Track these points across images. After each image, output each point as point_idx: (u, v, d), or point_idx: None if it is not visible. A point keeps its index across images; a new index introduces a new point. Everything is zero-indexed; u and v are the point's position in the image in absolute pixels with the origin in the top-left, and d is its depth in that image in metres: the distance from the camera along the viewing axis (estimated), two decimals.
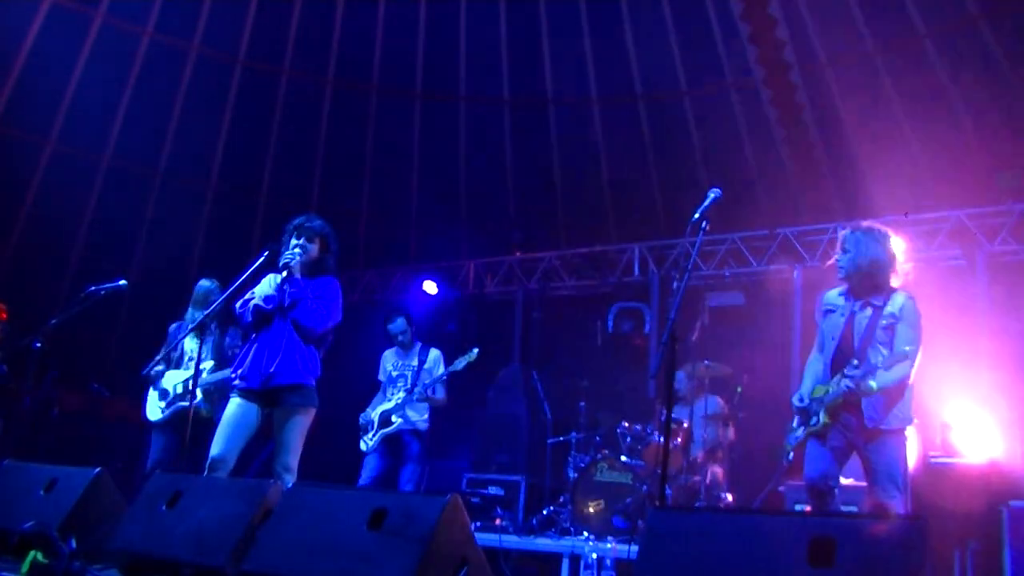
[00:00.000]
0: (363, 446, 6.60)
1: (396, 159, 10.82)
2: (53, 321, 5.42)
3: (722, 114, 9.68)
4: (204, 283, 5.99)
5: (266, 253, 4.52)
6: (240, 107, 10.25)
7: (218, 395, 5.65)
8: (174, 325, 6.05)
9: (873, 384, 3.95)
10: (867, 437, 4.00)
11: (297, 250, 4.48)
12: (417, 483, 6.45)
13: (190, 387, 5.64)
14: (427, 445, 6.64)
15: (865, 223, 4.38)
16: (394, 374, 6.75)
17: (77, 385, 8.17)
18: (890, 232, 4.24)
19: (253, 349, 4.46)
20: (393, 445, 6.53)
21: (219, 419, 5.47)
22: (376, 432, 6.53)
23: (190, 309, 5.95)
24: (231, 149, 10.40)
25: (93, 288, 5.51)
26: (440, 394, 6.64)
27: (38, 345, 5.38)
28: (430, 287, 10.04)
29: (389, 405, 6.57)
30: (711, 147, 9.89)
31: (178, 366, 5.84)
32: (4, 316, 7.65)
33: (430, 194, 10.95)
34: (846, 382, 3.96)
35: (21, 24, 9.01)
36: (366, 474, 6.49)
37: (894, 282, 4.17)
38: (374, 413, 6.64)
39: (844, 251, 4.22)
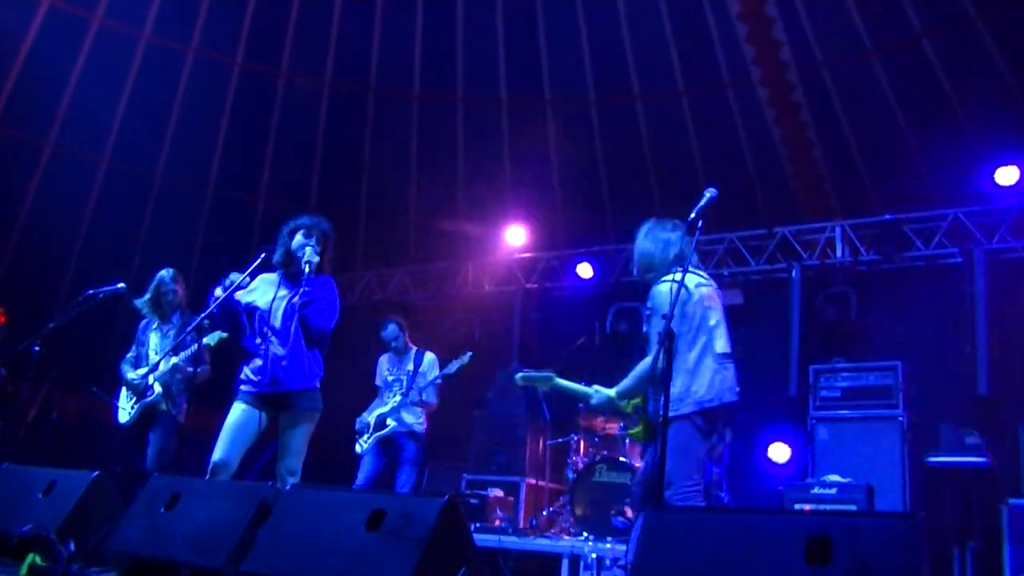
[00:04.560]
0: (358, 448, 6.64)
1: (394, 160, 10.83)
2: (52, 324, 5.41)
3: (719, 114, 9.69)
4: (161, 272, 5.96)
5: (263, 255, 4.53)
6: (238, 109, 10.25)
7: (175, 388, 5.67)
8: (143, 322, 6.01)
9: (612, 394, 4.02)
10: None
11: (311, 249, 4.47)
12: (413, 485, 6.45)
13: (149, 382, 5.67)
14: (424, 447, 6.65)
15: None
16: (390, 379, 6.79)
17: (76, 388, 8.15)
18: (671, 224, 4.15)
19: (258, 353, 4.43)
20: (388, 447, 6.57)
21: (176, 413, 5.53)
22: (371, 435, 6.58)
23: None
24: (229, 151, 10.41)
25: (92, 291, 5.51)
26: (431, 399, 6.66)
27: (36, 348, 5.37)
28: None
29: (385, 409, 6.61)
30: (709, 147, 9.89)
31: (144, 362, 5.82)
32: (3, 319, 7.66)
33: (428, 195, 10.96)
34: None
35: (19, 26, 9.02)
36: (362, 476, 6.52)
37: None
38: (370, 416, 6.69)
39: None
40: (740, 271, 8.82)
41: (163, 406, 5.66)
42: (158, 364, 5.65)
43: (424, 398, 6.58)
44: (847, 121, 9.13)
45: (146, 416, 5.70)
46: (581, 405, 7.38)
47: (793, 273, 8.36)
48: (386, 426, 6.52)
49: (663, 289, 3.92)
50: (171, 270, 6.00)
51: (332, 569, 2.91)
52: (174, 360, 5.60)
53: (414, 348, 6.86)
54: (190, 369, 5.43)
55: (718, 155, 9.80)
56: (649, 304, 3.99)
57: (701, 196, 3.83)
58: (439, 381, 6.66)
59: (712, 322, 3.95)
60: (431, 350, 6.91)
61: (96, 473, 4.10)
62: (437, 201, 10.93)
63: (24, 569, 3.43)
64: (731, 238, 8.83)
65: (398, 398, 6.57)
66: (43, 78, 9.27)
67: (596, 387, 4.15)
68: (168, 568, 3.32)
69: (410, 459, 6.50)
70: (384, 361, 6.91)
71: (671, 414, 3.73)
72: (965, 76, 8.39)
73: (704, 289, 4.03)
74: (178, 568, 3.27)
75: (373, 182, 10.96)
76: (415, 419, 6.59)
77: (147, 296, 5.91)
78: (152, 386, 5.67)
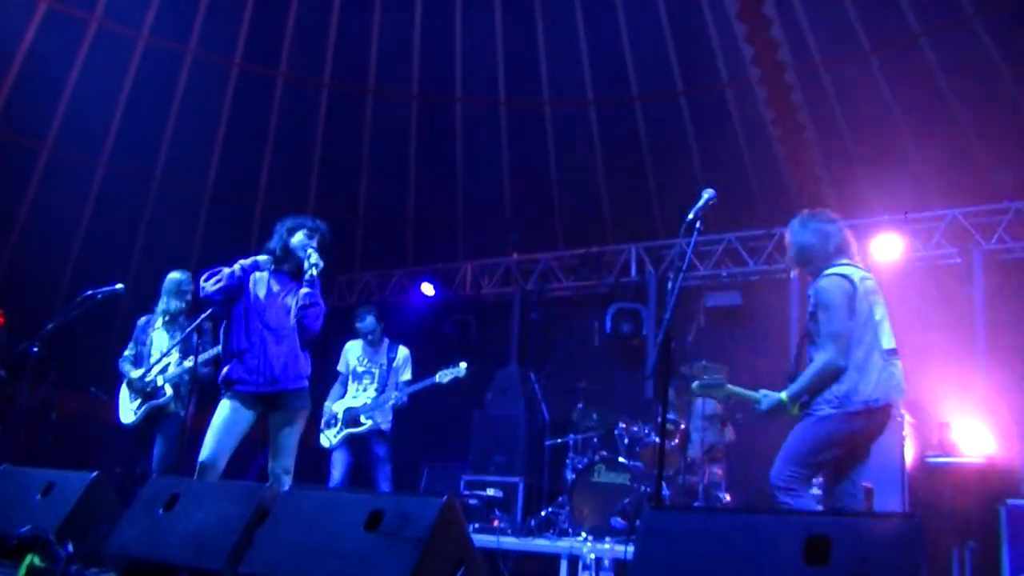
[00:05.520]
0: (324, 442, 6.44)
1: (392, 161, 10.83)
2: (50, 325, 5.40)
3: (718, 114, 9.70)
4: (176, 274, 5.97)
5: (265, 255, 4.53)
6: (236, 110, 10.26)
7: (183, 389, 5.66)
8: (143, 319, 5.99)
9: (783, 397, 3.85)
10: None
11: (316, 253, 4.46)
12: (392, 481, 6.36)
13: (159, 383, 5.65)
14: (391, 443, 6.54)
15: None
16: (359, 369, 6.57)
17: (75, 389, 8.17)
18: (827, 215, 4.07)
19: (253, 350, 4.38)
20: (358, 444, 6.36)
21: (185, 414, 5.52)
22: (341, 429, 6.38)
23: (163, 299, 5.91)
24: (227, 152, 10.41)
25: (90, 292, 5.50)
26: (404, 400, 6.49)
27: (35, 349, 5.37)
28: (427, 289, 10.05)
29: (356, 403, 6.41)
30: (707, 147, 9.90)
31: (146, 361, 5.80)
32: (1, 321, 7.66)
33: (427, 196, 10.97)
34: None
35: (17, 28, 9.02)
36: (337, 473, 6.32)
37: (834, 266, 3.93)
38: (336, 407, 6.47)
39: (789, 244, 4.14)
40: (739, 271, 8.83)
41: (172, 407, 5.66)
42: (167, 365, 5.64)
43: (403, 402, 6.46)
44: (845, 121, 9.14)
45: (153, 417, 5.68)
46: (580, 405, 7.39)
47: (792, 274, 8.34)
48: (359, 424, 6.31)
49: (831, 284, 3.83)
50: (187, 272, 6.01)
51: (330, 570, 2.91)
52: (188, 363, 5.55)
53: (387, 340, 6.69)
54: (204, 370, 5.45)
55: (716, 155, 9.81)
56: (814, 299, 3.87)
57: (699, 197, 3.82)
58: (417, 389, 6.53)
59: (878, 317, 3.84)
60: (430, 351, 6.87)
61: (95, 474, 4.08)
62: (435, 202, 10.94)
63: (23, 570, 3.43)
64: (729, 238, 8.84)
65: (372, 393, 6.40)
66: (41, 79, 9.27)
67: (764, 391, 3.99)
68: (166, 570, 3.32)
69: (384, 457, 6.30)
70: (355, 348, 6.68)
71: (834, 410, 3.68)
72: (963, 76, 8.40)
73: (869, 282, 3.90)
74: (176, 570, 3.27)
75: (371, 183, 10.97)
76: (384, 418, 6.41)
77: (167, 298, 5.90)
78: (162, 388, 5.66)
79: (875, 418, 3.74)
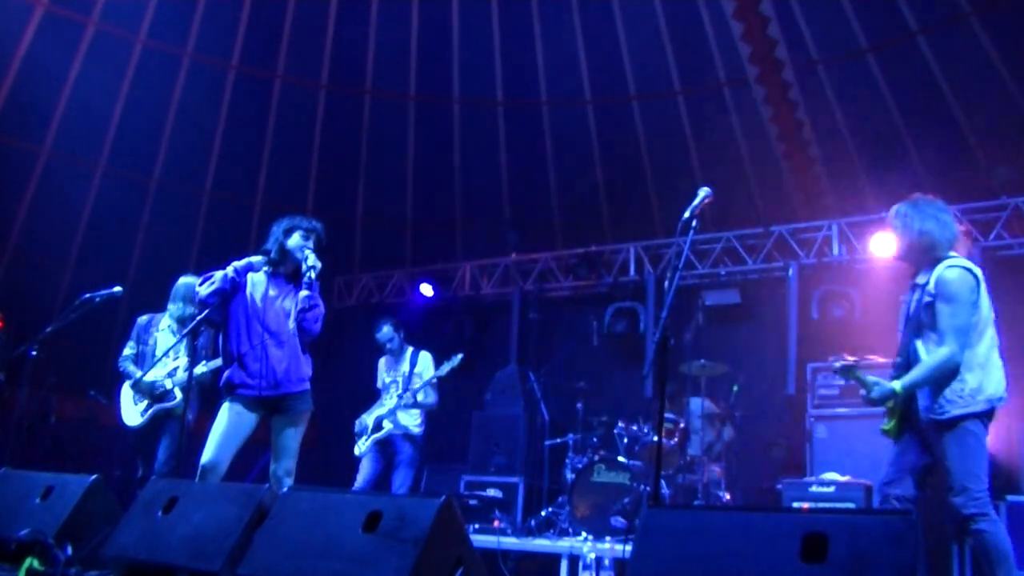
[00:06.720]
0: (357, 450, 6.66)
1: (391, 162, 10.83)
2: (49, 329, 5.40)
3: (716, 113, 9.69)
4: (189, 279, 5.94)
5: (262, 256, 4.53)
6: (234, 112, 10.26)
7: (190, 392, 5.65)
8: (144, 318, 5.93)
9: (897, 387, 3.71)
10: (932, 431, 3.69)
11: (314, 255, 4.45)
12: (410, 487, 6.45)
13: (168, 387, 5.63)
14: (421, 449, 6.64)
15: (917, 196, 3.96)
16: (387, 380, 6.80)
17: (74, 392, 8.16)
18: (941, 203, 3.91)
19: (254, 354, 4.36)
20: (385, 449, 6.58)
21: (190, 417, 5.50)
22: (369, 436, 6.59)
23: (177, 304, 5.86)
24: (226, 154, 10.41)
25: (89, 295, 5.49)
26: (430, 397, 6.62)
27: (34, 353, 5.36)
28: (426, 290, 10.06)
29: (383, 411, 6.62)
30: (705, 146, 9.90)
31: (149, 361, 5.77)
32: (0, 324, 7.66)
33: (425, 197, 10.96)
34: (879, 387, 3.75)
35: (14, 32, 9.02)
36: (361, 478, 6.54)
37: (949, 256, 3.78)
38: (368, 418, 6.69)
39: (894, 228, 3.94)
40: (737, 270, 8.83)
41: (179, 410, 5.64)
42: (175, 369, 5.62)
43: (419, 399, 6.53)
44: (843, 119, 9.14)
45: (158, 419, 5.64)
46: (580, 404, 7.38)
47: (790, 271, 8.37)
48: (383, 428, 6.52)
49: (958, 276, 3.68)
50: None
51: (329, 571, 2.92)
52: (199, 369, 5.50)
53: (410, 348, 6.85)
54: (207, 376, 5.46)
55: (714, 154, 9.81)
56: (936, 289, 3.70)
57: (696, 195, 3.81)
58: (434, 381, 6.64)
59: (992, 315, 3.74)
60: (428, 351, 6.91)
61: (94, 477, 4.09)
62: (434, 202, 10.93)
63: (22, 573, 3.43)
64: (728, 237, 8.84)
65: (395, 400, 6.58)
66: (39, 83, 9.28)
67: (874, 378, 3.84)
68: (166, 572, 3.32)
69: (406, 461, 6.49)
70: (382, 363, 6.92)
71: (962, 411, 3.57)
72: (960, 73, 8.40)
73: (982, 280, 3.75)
74: (175, 572, 3.27)
75: (370, 184, 10.97)
76: (412, 421, 6.59)
77: (183, 304, 5.85)
78: (172, 391, 5.63)
79: (992, 417, 3.65)
